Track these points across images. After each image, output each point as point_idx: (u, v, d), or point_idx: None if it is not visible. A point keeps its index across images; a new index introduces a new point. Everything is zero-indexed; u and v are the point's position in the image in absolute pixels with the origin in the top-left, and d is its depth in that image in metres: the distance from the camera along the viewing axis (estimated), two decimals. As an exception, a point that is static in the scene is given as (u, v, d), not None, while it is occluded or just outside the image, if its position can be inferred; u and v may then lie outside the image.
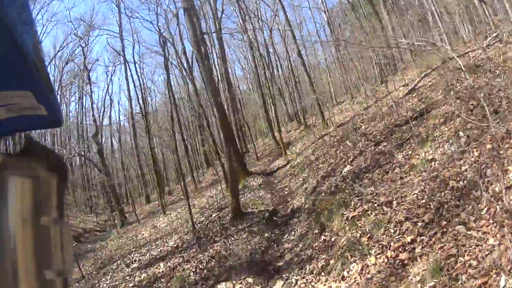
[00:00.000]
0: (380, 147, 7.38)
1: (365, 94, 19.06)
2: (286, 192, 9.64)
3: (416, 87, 11.35)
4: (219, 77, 26.59)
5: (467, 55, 10.64)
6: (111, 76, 43.11)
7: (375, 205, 5.01)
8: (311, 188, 7.97)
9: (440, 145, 5.74)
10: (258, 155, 21.25)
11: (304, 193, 8.07)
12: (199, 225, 9.06)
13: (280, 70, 34.33)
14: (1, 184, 0.42)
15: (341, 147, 9.79)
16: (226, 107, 26.73)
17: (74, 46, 24.23)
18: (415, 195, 4.78)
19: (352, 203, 5.42)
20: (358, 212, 5.12)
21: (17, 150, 0.52)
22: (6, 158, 0.45)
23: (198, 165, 31.48)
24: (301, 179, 9.85)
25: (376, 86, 19.90)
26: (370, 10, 27.97)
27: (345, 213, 5.32)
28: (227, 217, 8.26)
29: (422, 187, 4.86)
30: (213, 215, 9.34)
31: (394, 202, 4.82)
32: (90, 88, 23.16)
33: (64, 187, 0.53)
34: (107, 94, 33.50)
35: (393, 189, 5.22)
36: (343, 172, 7.32)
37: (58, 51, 22.67)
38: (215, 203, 11.18)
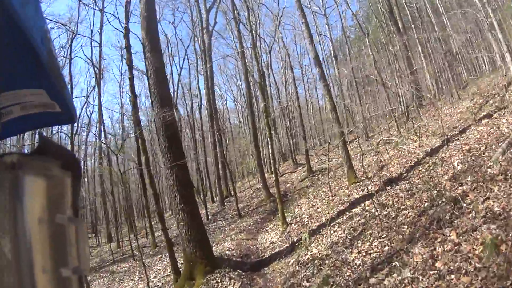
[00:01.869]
0: None
1: (397, 131, 13.24)
2: None
3: None
4: (204, 100, 20.85)
5: None
6: (89, 93, 36.85)
7: None
8: None
9: None
10: (241, 205, 14.76)
11: None
12: None
13: (276, 100, 29.07)
14: (16, 183, 0.41)
15: (438, 248, 3.60)
16: (210, 139, 20.81)
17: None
18: None
19: None
20: None
21: (32, 149, 0.49)
22: (21, 157, 0.43)
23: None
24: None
25: (404, 123, 14.20)
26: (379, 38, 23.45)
27: None
28: None
29: None
30: None
31: None
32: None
33: (78, 185, 0.50)
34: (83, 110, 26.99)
35: None
36: None
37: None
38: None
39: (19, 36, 0.46)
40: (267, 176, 16.65)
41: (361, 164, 10.06)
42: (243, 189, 21.55)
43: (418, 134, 11.45)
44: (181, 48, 42.45)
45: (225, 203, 17.12)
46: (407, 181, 6.35)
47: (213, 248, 8.13)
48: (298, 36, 30.18)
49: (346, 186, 8.32)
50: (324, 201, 8.28)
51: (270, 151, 8.46)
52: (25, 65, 0.52)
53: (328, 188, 9.24)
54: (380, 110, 20.61)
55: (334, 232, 5.75)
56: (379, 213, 5.43)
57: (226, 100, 62.46)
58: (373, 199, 6.04)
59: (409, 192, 5.74)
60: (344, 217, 6.11)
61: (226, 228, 11.04)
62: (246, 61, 18.43)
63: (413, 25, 23.18)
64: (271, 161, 8.55)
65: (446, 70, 19.35)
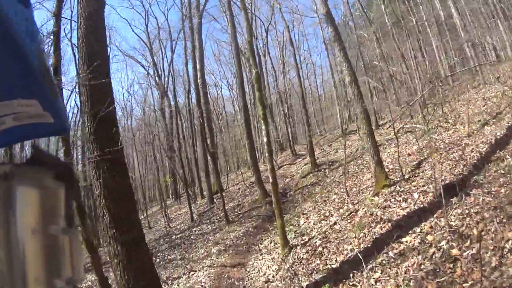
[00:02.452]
0: None
1: (422, 117, 10.70)
2: None
3: None
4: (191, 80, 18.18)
5: None
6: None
7: None
8: None
9: None
10: (232, 204, 12.39)
11: None
12: None
13: (274, 88, 26.44)
14: (9, 193, 0.40)
15: None
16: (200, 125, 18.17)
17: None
18: None
19: None
20: None
21: (24, 159, 0.49)
22: (14, 168, 0.42)
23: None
24: None
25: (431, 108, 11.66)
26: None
27: None
28: None
29: None
30: None
31: None
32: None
33: (72, 196, 0.49)
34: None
35: None
36: None
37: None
38: None
39: (11, 44, 0.45)
40: (262, 168, 14.13)
41: (386, 156, 7.57)
42: (236, 181, 19.06)
43: (451, 121, 9.01)
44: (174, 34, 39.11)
45: (215, 200, 14.63)
46: (485, 190, 3.83)
47: (182, 280, 5.62)
48: (296, 21, 27.40)
49: (373, 190, 5.80)
50: (341, 211, 5.76)
51: (265, 139, 5.91)
52: (17, 74, 0.49)
53: (343, 190, 6.75)
54: (392, 95, 18.12)
55: (376, 283, 3.24)
56: (459, 251, 2.91)
57: (221, 88, 59.49)
58: (437, 221, 3.51)
59: (503, 212, 3.23)
60: (390, 253, 3.58)
61: (210, 237, 8.58)
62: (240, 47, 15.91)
63: (421, 7, 20.62)
64: (267, 154, 6.00)
65: (456, 55, 16.96)
